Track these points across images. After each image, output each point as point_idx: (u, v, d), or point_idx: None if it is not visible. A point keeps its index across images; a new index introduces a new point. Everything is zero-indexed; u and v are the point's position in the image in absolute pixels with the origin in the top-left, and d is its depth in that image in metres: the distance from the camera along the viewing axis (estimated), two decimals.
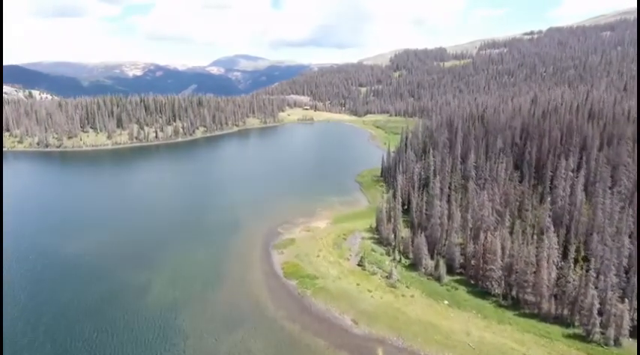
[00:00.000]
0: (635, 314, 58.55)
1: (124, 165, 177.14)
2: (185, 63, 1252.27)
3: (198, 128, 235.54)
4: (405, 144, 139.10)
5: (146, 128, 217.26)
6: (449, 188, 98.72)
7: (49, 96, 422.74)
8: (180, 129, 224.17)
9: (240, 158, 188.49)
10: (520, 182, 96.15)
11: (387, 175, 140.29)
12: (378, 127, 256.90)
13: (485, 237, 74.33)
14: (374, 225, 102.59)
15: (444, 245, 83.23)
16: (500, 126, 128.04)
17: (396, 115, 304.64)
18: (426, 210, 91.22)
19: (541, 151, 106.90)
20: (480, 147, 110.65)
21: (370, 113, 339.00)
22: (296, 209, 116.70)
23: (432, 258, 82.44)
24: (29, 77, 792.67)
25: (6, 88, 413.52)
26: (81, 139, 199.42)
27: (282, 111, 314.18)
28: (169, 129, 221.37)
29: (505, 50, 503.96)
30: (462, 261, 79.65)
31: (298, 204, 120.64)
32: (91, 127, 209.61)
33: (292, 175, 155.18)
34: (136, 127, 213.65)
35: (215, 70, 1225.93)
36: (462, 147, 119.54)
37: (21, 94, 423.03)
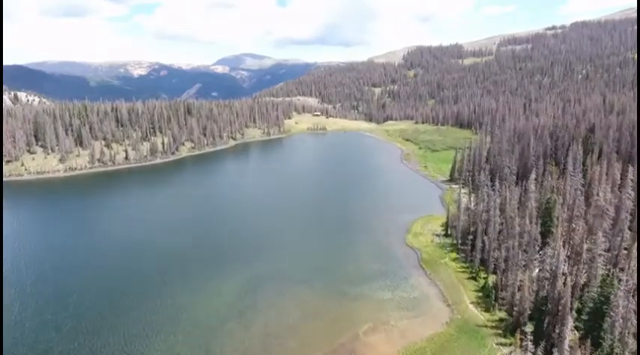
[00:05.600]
0: None
1: (64, 207, 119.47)
2: (190, 62, 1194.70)
3: (183, 144, 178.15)
4: (506, 197, 79.47)
5: (115, 146, 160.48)
6: None
7: (37, 99, 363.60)
8: (160, 147, 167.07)
9: (230, 195, 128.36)
10: None
11: (464, 240, 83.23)
12: (407, 140, 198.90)
13: None
14: None
15: None
16: None
17: (423, 122, 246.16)
18: None
19: None
20: None
21: (390, 119, 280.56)
22: (318, 326, 60.32)
23: None
24: (33, 77, 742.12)
25: None
26: (23, 164, 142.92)
27: (289, 118, 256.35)
28: (145, 147, 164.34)
29: (529, 46, 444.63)
30: None
31: (320, 312, 64.09)
32: (41, 146, 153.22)
33: (304, 230, 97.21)
34: (99, 146, 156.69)
35: (220, 69, 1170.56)
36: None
37: (5, 97, 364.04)
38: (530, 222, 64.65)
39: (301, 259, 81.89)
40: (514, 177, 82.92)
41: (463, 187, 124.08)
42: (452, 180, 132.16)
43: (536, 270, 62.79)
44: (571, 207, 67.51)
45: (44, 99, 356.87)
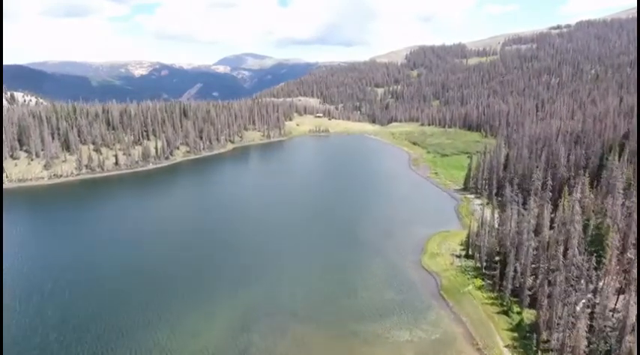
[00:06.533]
0: None
1: (39, 221, 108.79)
2: (191, 62, 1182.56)
3: (178, 148, 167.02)
4: (542, 217, 66.89)
5: (104, 151, 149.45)
6: None
7: (34, 100, 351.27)
8: (153, 151, 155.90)
9: (226, 206, 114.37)
10: None
11: (489, 263, 72.24)
12: (414, 143, 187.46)
13: None
14: None
15: None
16: None
17: (429, 125, 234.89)
18: None
19: None
20: None
21: (395, 121, 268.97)
22: None
23: None
24: (33, 77, 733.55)
25: None
26: (4, 171, 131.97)
27: (290, 119, 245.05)
28: (137, 152, 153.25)
29: (534, 46, 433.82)
30: None
31: None
32: (25, 151, 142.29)
33: (307, 247, 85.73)
34: (87, 150, 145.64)
35: (221, 69, 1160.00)
36: None
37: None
38: (581, 253, 53.33)
39: (304, 285, 70.78)
40: (549, 193, 71.49)
41: (479, 197, 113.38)
42: (466, 189, 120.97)
43: (580, 306, 51.67)
44: (622, 231, 56.47)
45: (41, 100, 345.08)
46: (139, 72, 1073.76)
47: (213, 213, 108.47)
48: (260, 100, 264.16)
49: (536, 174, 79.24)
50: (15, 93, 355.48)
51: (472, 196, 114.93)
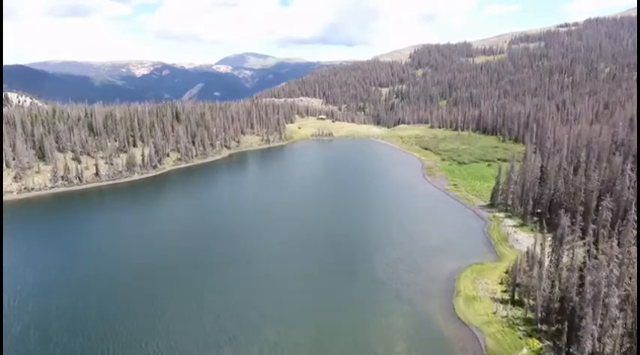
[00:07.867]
0: None
1: None
2: (192, 61, 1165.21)
3: (168, 155, 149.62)
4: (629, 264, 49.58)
5: (85, 159, 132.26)
6: None
7: (28, 100, 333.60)
8: (139, 159, 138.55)
9: (213, 231, 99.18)
10: None
11: (546, 314, 55.04)
12: (425, 149, 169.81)
13: None
14: None
15: None
16: None
17: (439, 127, 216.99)
18: None
19: None
20: None
21: (402, 123, 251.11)
22: None
23: None
24: (35, 77, 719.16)
25: None
26: None
27: (291, 121, 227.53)
28: (121, 160, 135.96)
29: (542, 44, 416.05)
30: None
31: None
32: None
33: (307, 287, 68.41)
34: (63, 159, 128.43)
35: (223, 68, 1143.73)
36: None
37: None
38: None
39: (306, 348, 53.51)
40: (633, 231, 53.67)
41: (511, 217, 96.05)
42: (493, 205, 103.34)
43: None
44: None
45: (36, 100, 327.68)
46: (140, 72, 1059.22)
47: (198, 237, 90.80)
48: (259, 101, 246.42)
49: (606, 202, 61.36)
50: (9, 94, 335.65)
51: (502, 215, 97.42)
